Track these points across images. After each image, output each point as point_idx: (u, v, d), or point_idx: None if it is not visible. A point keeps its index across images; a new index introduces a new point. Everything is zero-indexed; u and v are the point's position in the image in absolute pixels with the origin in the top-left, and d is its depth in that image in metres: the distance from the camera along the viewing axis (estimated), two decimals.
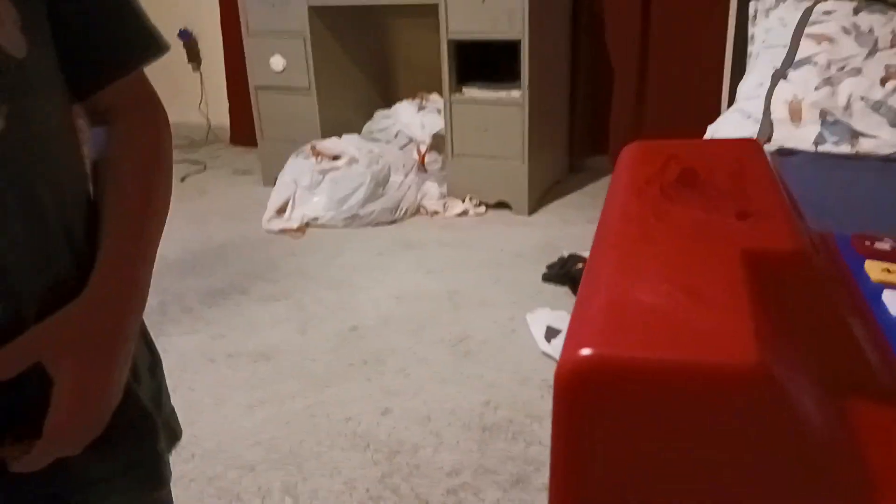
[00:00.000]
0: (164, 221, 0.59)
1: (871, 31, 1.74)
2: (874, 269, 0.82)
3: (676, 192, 0.78)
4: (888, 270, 0.81)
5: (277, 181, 2.76)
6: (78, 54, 0.54)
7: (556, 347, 1.77)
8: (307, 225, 2.64)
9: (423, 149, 2.89)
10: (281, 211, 2.68)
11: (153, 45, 0.58)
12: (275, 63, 2.89)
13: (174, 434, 0.65)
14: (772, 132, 1.58)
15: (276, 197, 2.70)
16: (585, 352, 0.58)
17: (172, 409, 0.66)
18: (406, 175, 2.78)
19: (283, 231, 2.60)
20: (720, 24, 2.47)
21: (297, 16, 2.79)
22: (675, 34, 2.78)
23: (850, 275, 0.84)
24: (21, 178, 0.49)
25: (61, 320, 0.50)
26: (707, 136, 1.63)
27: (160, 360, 0.65)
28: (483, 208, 2.75)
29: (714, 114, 2.70)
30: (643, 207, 0.75)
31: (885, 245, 0.87)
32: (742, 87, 1.80)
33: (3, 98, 0.47)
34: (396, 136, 2.97)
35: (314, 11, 2.79)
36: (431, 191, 2.81)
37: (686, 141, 1.01)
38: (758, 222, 0.73)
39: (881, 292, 0.80)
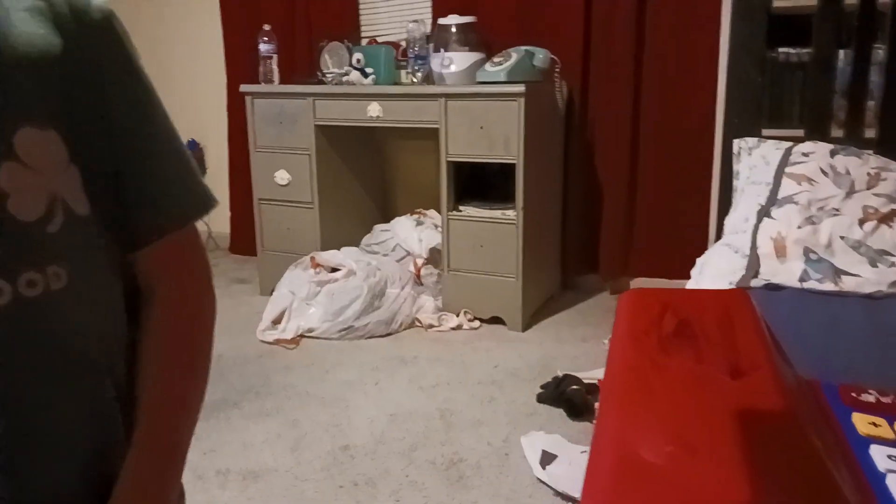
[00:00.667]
0: (196, 420, 0.62)
1: (847, 172, 1.85)
2: (861, 423, 0.85)
3: (673, 344, 0.82)
4: (874, 424, 0.84)
5: (274, 292, 2.80)
6: (131, 208, 0.56)
7: (551, 474, 1.75)
8: (302, 336, 2.66)
9: (419, 262, 2.95)
10: (276, 321, 2.70)
11: (205, 202, 0.61)
12: (280, 177, 3.01)
13: None
14: (759, 267, 1.65)
15: (272, 307, 2.73)
16: None
17: None
18: (402, 288, 2.83)
19: (277, 342, 2.62)
20: (707, 156, 2.61)
21: (304, 133, 2.93)
22: (663, 164, 2.93)
23: (838, 426, 0.87)
24: (77, 339, 0.51)
25: None
26: (696, 268, 1.70)
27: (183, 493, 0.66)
28: (477, 323, 2.78)
29: (701, 236, 2.81)
30: (642, 358, 0.79)
31: (870, 397, 0.90)
32: (729, 221, 1.89)
33: (67, 256, 0.50)
34: (394, 249, 3.05)
35: (320, 130, 2.93)
36: (427, 304, 2.85)
37: (680, 290, 1.06)
38: (748, 378, 0.76)
39: (868, 446, 0.83)
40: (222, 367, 2.43)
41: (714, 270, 1.65)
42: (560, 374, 2.23)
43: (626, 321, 0.94)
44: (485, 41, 2.89)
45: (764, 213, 1.77)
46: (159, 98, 0.60)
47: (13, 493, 0.48)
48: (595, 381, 2.19)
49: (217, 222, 3.87)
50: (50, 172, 0.49)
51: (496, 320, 2.77)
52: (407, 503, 1.68)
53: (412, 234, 3.05)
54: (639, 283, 3.11)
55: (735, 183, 2.12)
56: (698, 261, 1.73)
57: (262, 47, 3.02)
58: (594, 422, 2.01)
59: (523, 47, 2.72)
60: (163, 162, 0.59)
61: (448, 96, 2.65)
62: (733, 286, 1.57)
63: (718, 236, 1.90)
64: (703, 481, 0.64)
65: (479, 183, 2.80)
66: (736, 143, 2.14)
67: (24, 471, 0.49)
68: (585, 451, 1.86)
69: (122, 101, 0.55)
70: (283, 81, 3.07)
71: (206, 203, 0.62)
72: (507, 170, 2.63)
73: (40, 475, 0.50)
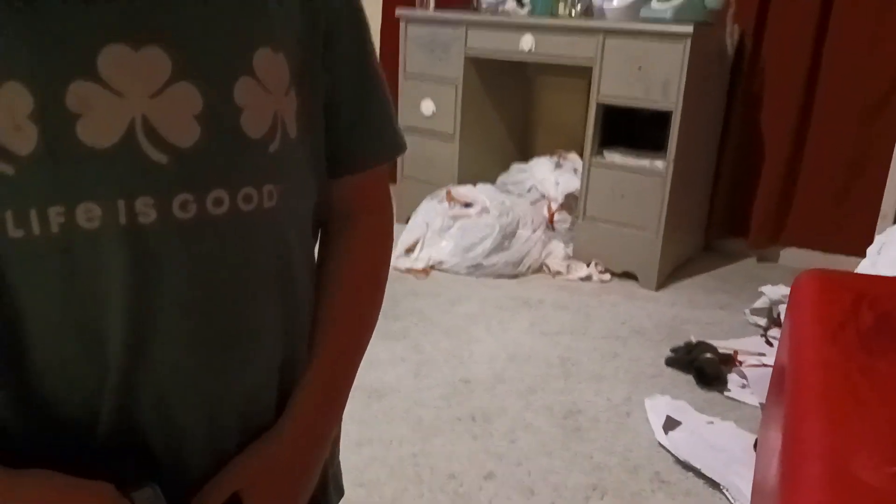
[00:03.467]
0: (367, 345, 0.64)
1: None
2: None
3: (877, 343, 0.73)
4: None
5: (410, 221, 2.84)
6: (336, 141, 0.59)
7: (673, 440, 1.69)
8: (432, 267, 2.69)
9: (553, 207, 2.88)
10: (410, 250, 2.75)
11: (399, 146, 0.63)
12: (425, 107, 3.00)
13: (340, 491, 0.68)
14: None
15: (406, 236, 2.78)
16: None
17: (339, 465, 0.69)
18: (534, 231, 2.78)
19: (408, 270, 2.67)
20: (891, 123, 2.32)
21: (454, 63, 2.89)
22: (838, 126, 2.64)
23: None
24: (283, 254, 0.54)
25: (261, 455, 0.54)
26: (874, 245, 1.52)
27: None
28: (608, 276, 2.69)
29: (870, 213, 2.53)
30: (842, 358, 0.70)
31: None
32: None
33: (280, 176, 0.52)
34: (529, 190, 2.99)
35: (470, 61, 2.88)
36: (557, 250, 2.79)
37: (875, 277, 0.94)
38: None
39: None
40: None
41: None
42: (693, 339, 2.13)
43: (810, 308, 0.84)
44: None
45: None
46: (372, 39, 0.61)
47: (215, 389, 0.51)
48: (730, 352, 2.07)
49: None
50: (277, 93, 0.50)
51: (628, 275, 2.67)
52: (522, 444, 1.69)
53: (549, 176, 2.97)
54: (790, 254, 2.88)
55: None
56: (878, 238, 1.55)
57: None
58: (726, 394, 1.92)
59: None
60: (373, 101, 0.60)
61: (607, 32, 2.50)
62: None
63: None
64: None
65: (627, 128, 2.65)
66: None
67: (227, 369, 0.51)
68: (712, 422, 1.78)
69: (345, 36, 0.57)
70: (438, 7, 3.02)
71: (403, 145, 0.64)
72: (660, 117, 2.47)
73: (239, 375, 0.52)
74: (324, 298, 0.59)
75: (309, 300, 0.59)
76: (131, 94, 0.44)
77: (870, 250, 1.53)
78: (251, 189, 0.49)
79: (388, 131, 0.62)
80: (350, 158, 0.60)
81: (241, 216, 0.49)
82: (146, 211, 0.45)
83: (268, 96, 0.49)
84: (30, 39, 0.42)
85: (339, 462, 0.68)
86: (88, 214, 0.44)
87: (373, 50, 0.61)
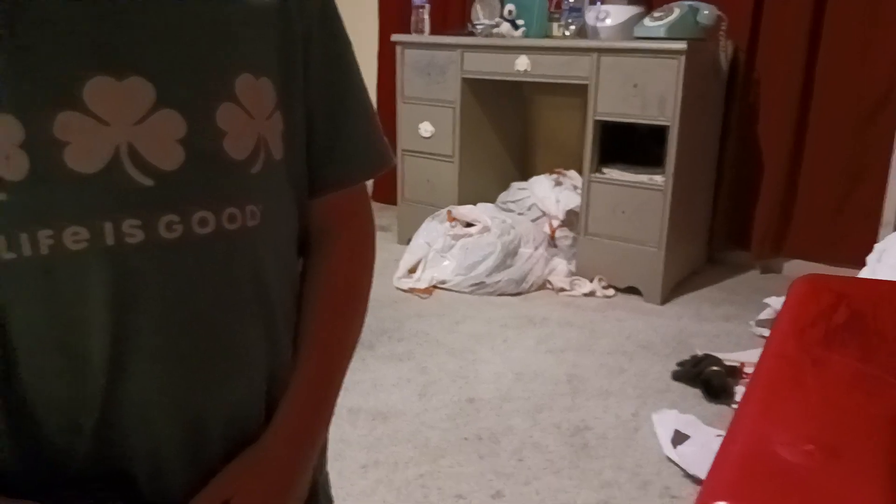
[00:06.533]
0: (352, 356, 0.64)
1: None
2: None
3: (840, 339, 0.74)
4: None
5: (412, 241, 2.85)
6: (317, 160, 0.59)
7: (682, 454, 1.67)
8: (435, 287, 2.70)
9: (555, 224, 2.89)
10: (412, 270, 2.76)
11: (381, 161, 0.64)
12: (424, 129, 3.03)
13: (329, 499, 0.68)
14: None
15: (408, 257, 2.79)
16: None
17: (327, 474, 0.69)
18: (536, 248, 2.79)
19: (411, 290, 2.67)
20: (887, 133, 2.34)
21: (451, 86, 2.92)
22: (834, 137, 2.65)
23: None
24: (261, 272, 0.55)
25: (249, 463, 0.55)
26: (874, 254, 1.53)
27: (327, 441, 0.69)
28: (611, 291, 2.69)
29: (871, 222, 2.54)
30: (802, 349, 0.71)
31: None
32: None
33: (262, 197, 0.53)
34: (530, 208, 3.00)
35: (466, 83, 2.91)
36: (559, 267, 2.79)
37: (863, 280, 0.95)
38: None
39: None
40: None
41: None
42: (700, 353, 2.12)
43: (794, 307, 0.85)
44: None
45: None
46: (354, 55, 0.62)
47: (198, 405, 0.52)
48: (737, 364, 2.06)
49: None
50: (260, 117, 0.52)
51: (632, 290, 2.67)
52: (530, 463, 1.68)
53: (550, 194, 2.98)
54: (794, 265, 2.87)
55: None
56: (877, 247, 1.55)
57: None
58: (733, 406, 1.91)
59: (687, 2, 2.53)
60: (355, 117, 0.61)
61: (601, 51, 2.53)
62: None
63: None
64: (838, 488, 0.57)
65: (624, 145, 2.67)
66: None
67: (209, 386, 0.52)
68: (721, 435, 1.77)
69: (325, 54, 0.58)
70: (433, 32, 3.06)
71: (387, 160, 0.64)
72: (657, 132, 2.48)
73: (226, 388, 0.53)
74: (306, 313, 0.61)
75: (291, 315, 0.60)
76: (116, 122, 0.46)
77: (869, 258, 1.53)
78: (234, 209, 0.51)
79: (370, 148, 0.63)
80: (331, 177, 0.61)
81: (225, 235, 0.51)
82: (132, 232, 0.47)
83: (250, 121, 0.51)
84: (17, 73, 0.44)
85: (327, 472, 0.69)
86: (76, 237, 0.46)
87: (352, 65, 0.61)
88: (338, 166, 0.61)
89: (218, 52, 0.50)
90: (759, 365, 0.85)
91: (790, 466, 0.62)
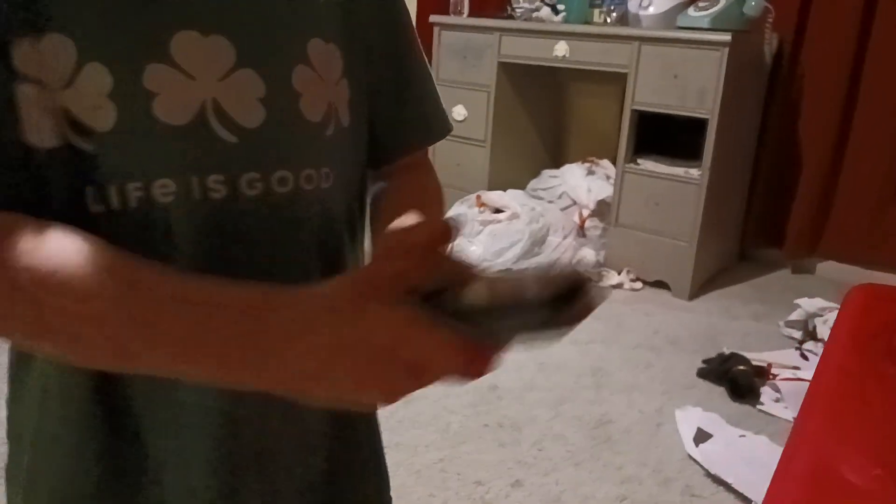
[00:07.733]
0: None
1: None
2: None
3: None
4: None
5: None
6: (382, 129, 0.60)
7: (704, 453, 1.66)
8: None
9: (585, 213, 2.86)
10: None
11: (445, 128, 0.65)
12: (457, 112, 3.00)
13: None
14: None
15: None
16: None
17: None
18: (564, 237, 2.76)
19: None
20: None
21: (486, 70, 2.89)
22: (879, 136, 2.58)
23: None
24: (331, 235, 0.55)
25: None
26: None
27: None
28: (639, 284, 2.66)
29: None
30: (863, 366, 0.69)
31: None
32: None
33: (335, 160, 0.54)
34: (560, 196, 2.97)
35: (502, 67, 2.87)
36: (588, 257, 2.76)
37: None
38: None
39: None
40: None
41: None
42: (727, 350, 2.09)
43: (852, 319, 0.83)
44: None
45: None
46: (413, 25, 0.63)
47: None
48: (764, 365, 2.03)
49: None
50: (330, 82, 0.53)
51: (660, 284, 2.64)
52: (550, 454, 1.67)
53: (581, 182, 2.95)
54: (827, 266, 2.81)
55: None
56: None
57: None
58: (758, 407, 1.88)
59: None
60: (418, 88, 0.62)
61: (643, 40, 2.48)
62: None
63: None
64: None
65: (660, 136, 2.62)
66: None
67: None
68: (744, 436, 1.74)
69: (391, 25, 0.60)
70: (472, 14, 3.02)
71: (447, 127, 0.65)
72: (695, 124, 2.43)
73: None
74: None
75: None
76: (202, 77, 0.46)
77: None
78: (311, 170, 0.52)
79: (436, 112, 0.64)
80: (399, 143, 0.62)
81: (302, 195, 0.51)
82: (216, 188, 0.47)
83: (322, 83, 0.52)
84: (108, 25, 0.44)
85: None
86: (164, 189, 0.46)
87: (414, 33, 0.62)
88: (406, 134, 0.62)
89: (292, 15, 0.51)
90: (817, 377, 0.82)
91: (857, 491, 0.59)
